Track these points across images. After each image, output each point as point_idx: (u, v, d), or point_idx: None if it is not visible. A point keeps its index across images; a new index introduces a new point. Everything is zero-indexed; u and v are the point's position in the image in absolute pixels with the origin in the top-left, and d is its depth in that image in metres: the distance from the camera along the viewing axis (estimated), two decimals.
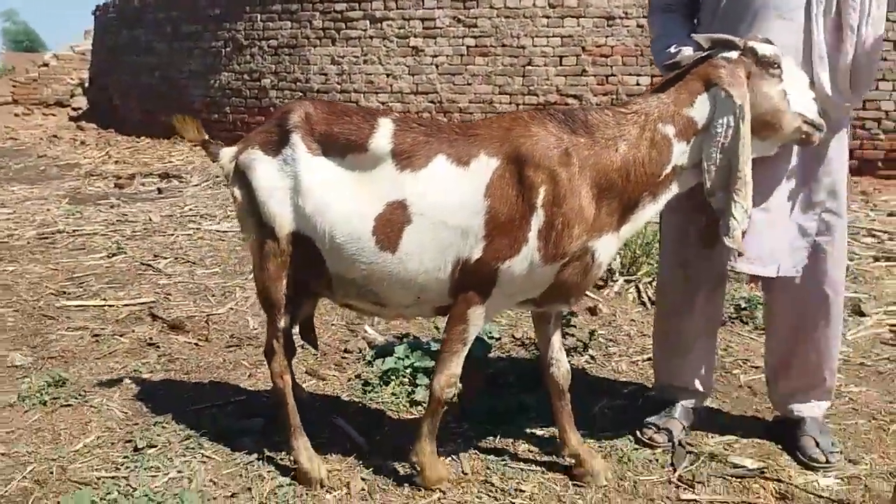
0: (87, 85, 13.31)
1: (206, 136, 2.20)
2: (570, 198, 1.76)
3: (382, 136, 1.88)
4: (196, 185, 7.01)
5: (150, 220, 5.46)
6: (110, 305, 3.60)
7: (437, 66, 7.69)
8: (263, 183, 1.95)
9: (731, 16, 1.99)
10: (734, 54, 1.83)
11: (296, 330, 2.29)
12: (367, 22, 7.83)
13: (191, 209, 5.87)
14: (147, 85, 10.08)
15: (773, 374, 2.35)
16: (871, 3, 1.90)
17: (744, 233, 1.86)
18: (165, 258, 4.46)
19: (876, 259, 4.59)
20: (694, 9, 2.21)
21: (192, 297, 3.74)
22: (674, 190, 1.89)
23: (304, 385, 2.60)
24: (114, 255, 4.51)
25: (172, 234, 5.03)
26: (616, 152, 1.81)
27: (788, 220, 2.07)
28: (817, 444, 2.20)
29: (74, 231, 5.08)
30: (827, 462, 2.16)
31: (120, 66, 10.94)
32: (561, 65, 7.40)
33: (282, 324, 2.05)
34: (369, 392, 2.64)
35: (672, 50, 2.06)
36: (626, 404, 2.58)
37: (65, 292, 3.79)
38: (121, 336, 3.22)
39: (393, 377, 2.66)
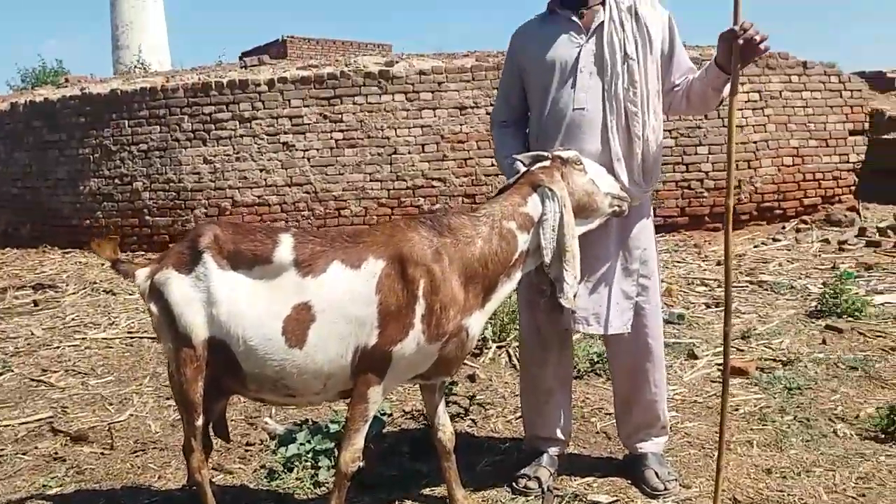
0: None
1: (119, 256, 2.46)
2: (444, 287, 2.19)
3: (284, 248, 2.23)
4: (74, 294, 6.95)
5: (32, 334, 5.44)
6: (6, 425, 3.65)
7: (308, 159, 8.11)
8: (179, 297, 2.23)
9: (548, 132, 2.55)
10: (547, 163, 2.38)
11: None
12: (237, 122, 8.18)
13: (73, 319, 5.87)
14: (10, 195, 9.86)
15: (619, 417, 2.85)
16: (652, 116, 2.50)
17: (576, 296, 2.33)
18: (55, 371, 4.51)
19: (707, 306, 5.34)
20: (523, 123, 2.76)
21: (90, 408, 3.85)
22: (523, 270, 2.36)
23: (212, 480, 2.82)
24: (0, 374, 4.51)
25: (58, 347, 5.05)
26: (475, 247, 2.26)
27: (612, 286, 2.59)
28: (657, 475, 2.66)
29: None
30: (665, 490, 2.62)
31: None
32: (423, 152, 8.02)
33: (199, 422, 2.30)
34: (275, 479, 2.86)
35: (510, 160, 2.58)
36: (503, 459, 2.98)
37: None
38: (24, 454, 3.30)
39: (296, 463, 2.90)
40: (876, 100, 9.19)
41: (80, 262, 8.28)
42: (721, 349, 4.29)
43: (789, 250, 7.08)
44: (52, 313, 6.16)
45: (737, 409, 3.38)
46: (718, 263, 6.67)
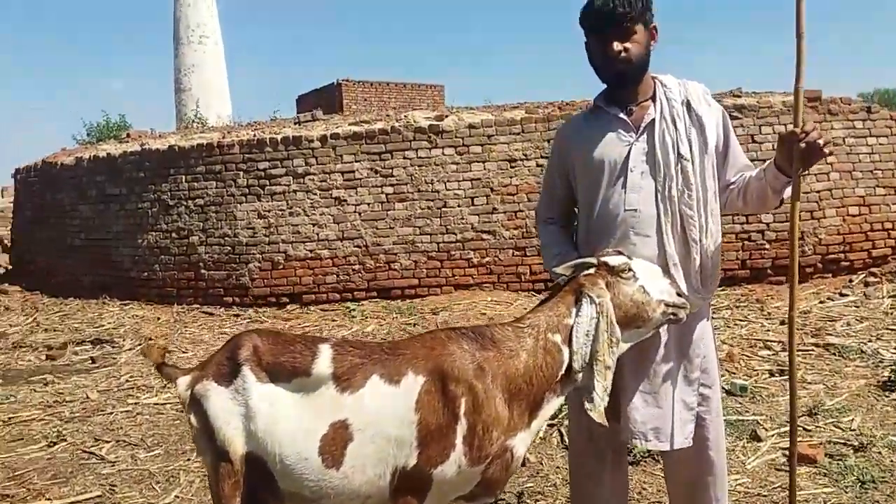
0: (8, 244, 13.26)
1: (166, 360, 2.46)
2: (487, 405, 2.08)
3: (323, 361, 2.17)
4: (129, 350, 7.09)
5: (88, 397, 5.53)
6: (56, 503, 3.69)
7: (359, 214, 8.15)
8: (218, 411, 2.19)
9: (600, 234, 2.42)
10: (592, 270, 2.25)
11: None
12: (290, 178, 8.29)
13: (127, 380, 5.95)
14: (72, 246, 10.19)
15: None
16: (709, 220, 2.37)
17: (607, 410, 2.15)
18: (107, 441, 4.55)
19: (771, 374, 5.08)
20: (570, 220, 2.65)
21: (137, 487, 3.86)
22: (572, 384, 2.23)
23: None
24: (54, 443, 4.57)
25: (111, 413, 5.12)
26: (519, 361, 2.15)
27: (673, 397, 2.42)
28: None
29: (10, 418, 5.11)
30: None
31: (44, 227, 11.04)
32: (473, 204, 7.98)
33: None
34: None
35: (559, 260, 2.47)
36: None
37: (7, 495, 3.85)
38: None
39: None
40: None
41: (136, 316, 8.45)
42: (786, 428, 4.12)
43: (858, 307, 6.74)
44: (108, 372, 6.27)
45: None
46: (782, 323, 6.37)
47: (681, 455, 2.48)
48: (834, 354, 5.40)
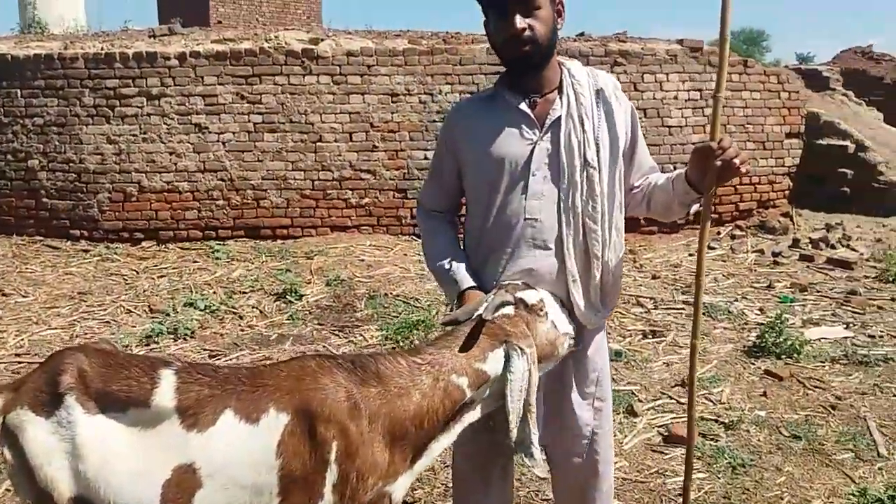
0: None
1: None
2: (362, 451, 1.80)
3: (165, 391, 1.80)
4: None
5: None
6: None
7: (223, 144, 7.47)
8: (37, 447, 1.80)
9: (495, 244, 2.14)
10: (510, 310, 1.97)
11: None
12: (144, 99, 7.42)
13: None
14: None
15: None
16: (613, 233, 2.13)
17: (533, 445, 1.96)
18: None
19: (644, 335, 5.11)
20: (457, 212, 2.36)
21: None
22: (465, 423, 1.98)
23: None
24: None
25: None
26: (410, 402, 1.86)
27: (570, 416, 2.25)
28: None
29: None
30: None
31: None
32: (351, 140, 7.49)
33: None
34: None
35: (446, 265, 2.18)
36: None
37: None
38: None
39: None
40: (811, 101, 9.12)
41: None
42: (660, 401, 4.15)
43: (725, 261, 6.96)
44: None
45: (679, 496, 3.14)
46: (654, 277, 6.49)
47: (570, 468, 2.33)
48: (703, 314, 5.51)
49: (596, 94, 2.12)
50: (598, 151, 2.07)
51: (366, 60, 7.49)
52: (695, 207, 2.12)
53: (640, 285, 6.28)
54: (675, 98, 7.79)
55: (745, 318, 5.39)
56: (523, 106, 2.09)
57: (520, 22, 2.00)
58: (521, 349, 1.91)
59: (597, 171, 2.06)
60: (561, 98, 2.09)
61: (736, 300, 5.82)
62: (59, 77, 7.56)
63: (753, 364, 4.56)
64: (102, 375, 1.83)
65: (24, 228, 7.75)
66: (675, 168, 2.35)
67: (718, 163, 1.93)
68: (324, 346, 4.86)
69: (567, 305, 2.13)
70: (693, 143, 7.76)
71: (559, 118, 2.08)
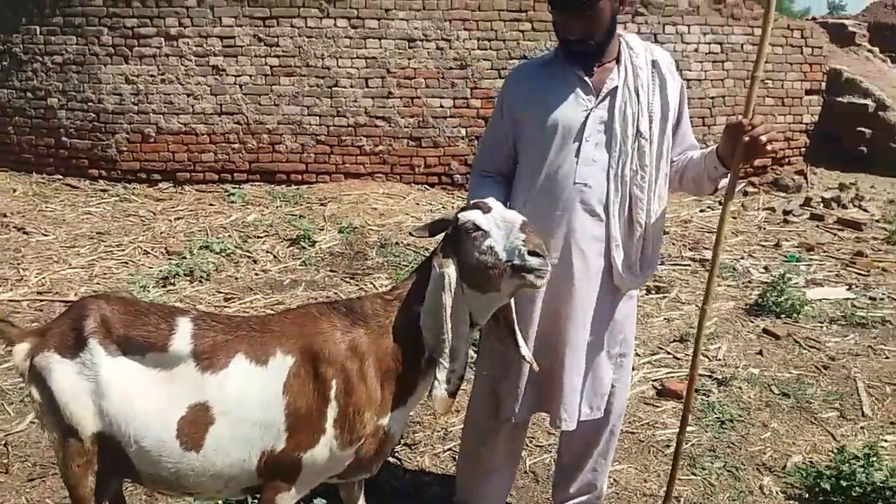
0: None
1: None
2: (359, 387, 1.96)
3: (182, 337, 1.98)
4: None
5: None
6: None
7: (240, 86, 7.51)
8: (63, 386, 1.98)
9: (543, 205, 2.22)
10: (449, 230, 2.02)
11: None
12: (162, 39, 7.45)
13: None
14: None
15: (557, 484, 2.71)
16: (657, 203, 2.23)
17: (452, 393, 1.99)
18: None
19: (648, 290, 5.21)
20: (509, 177, 2.38)
21: None
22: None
23: None
24: None
25: None
26: (388, 338, 2.01)
27: (591, 373, 2.36)
28: None
29: None
30: None
31: None
32: (367, 87, 7.50)
33: None
34: None
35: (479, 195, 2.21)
36: None
37: None
38: None
39: None
40: (835, 56, 8.96)
41: None
42: (658, 356, 4.28)
43: (735, 218, 6.98)
44: None
45: (667, 447, 3.30)
46: (664, 232, 6.53)
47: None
48: (708, 270, 5.59)
49: (651, 66, 2.20)
50: (650, 123, 2.16)
51: (383, 3, 7.43)
52: (723, 182, 2.21)
53: None
54: (696, 51, 7.69)
55: (750, 277, 5.47)
56: (582, 74, 2.18)
57: (573, 33, 2.12)
58: (434, 266, 1.98)
59: (648, 142, 2.16)
60: (619, 68, 2.17)
61: (742, 258, 5.89)
62: (77, 14, 7.58)
63: (752, 322, 4.66)
64: (124, 321, 2.00)
65: (44, 167, 7.89)
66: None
67: (746, 138, 2.02)
68: (335, 293, 5.02)
69: (606, 268, 2.23)
70: (711, 97, 7.72)
71: (615, 88, 2.16)
